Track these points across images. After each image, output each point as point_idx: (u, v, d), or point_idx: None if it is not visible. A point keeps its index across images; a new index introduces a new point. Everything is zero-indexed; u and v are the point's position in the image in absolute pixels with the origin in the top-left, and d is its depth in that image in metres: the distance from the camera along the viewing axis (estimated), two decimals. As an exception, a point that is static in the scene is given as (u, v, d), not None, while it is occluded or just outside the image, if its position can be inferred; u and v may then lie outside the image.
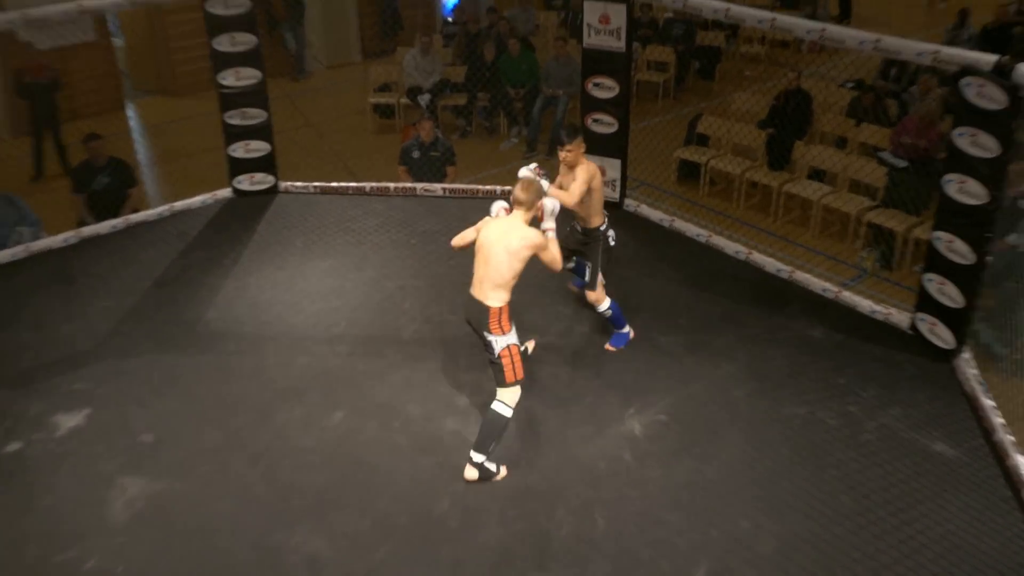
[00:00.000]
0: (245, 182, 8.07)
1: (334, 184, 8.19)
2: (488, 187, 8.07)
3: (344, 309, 6.27)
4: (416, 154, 8.35)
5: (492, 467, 4.75)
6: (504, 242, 4.67)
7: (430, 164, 8.33)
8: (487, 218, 4.90)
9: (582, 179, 5.39)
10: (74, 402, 5.32)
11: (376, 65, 11.77)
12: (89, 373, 5.60)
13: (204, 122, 9.87)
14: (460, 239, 4.92)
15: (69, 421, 5.16)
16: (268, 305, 6.33)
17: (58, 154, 9.83)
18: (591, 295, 5.66)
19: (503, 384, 4.72)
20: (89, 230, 7.41)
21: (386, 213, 7.73)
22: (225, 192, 8.10)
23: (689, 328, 6.01)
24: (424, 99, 10.79)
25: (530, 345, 5.67)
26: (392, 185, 8.15)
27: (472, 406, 5.22)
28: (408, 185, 8.14)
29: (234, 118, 7.80)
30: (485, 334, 4.72)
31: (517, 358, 4.70)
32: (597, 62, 7.31)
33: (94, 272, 6.86)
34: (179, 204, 7.88)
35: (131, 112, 12.16)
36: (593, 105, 7.49)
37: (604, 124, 7.50)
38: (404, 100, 11.10)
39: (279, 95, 8.96)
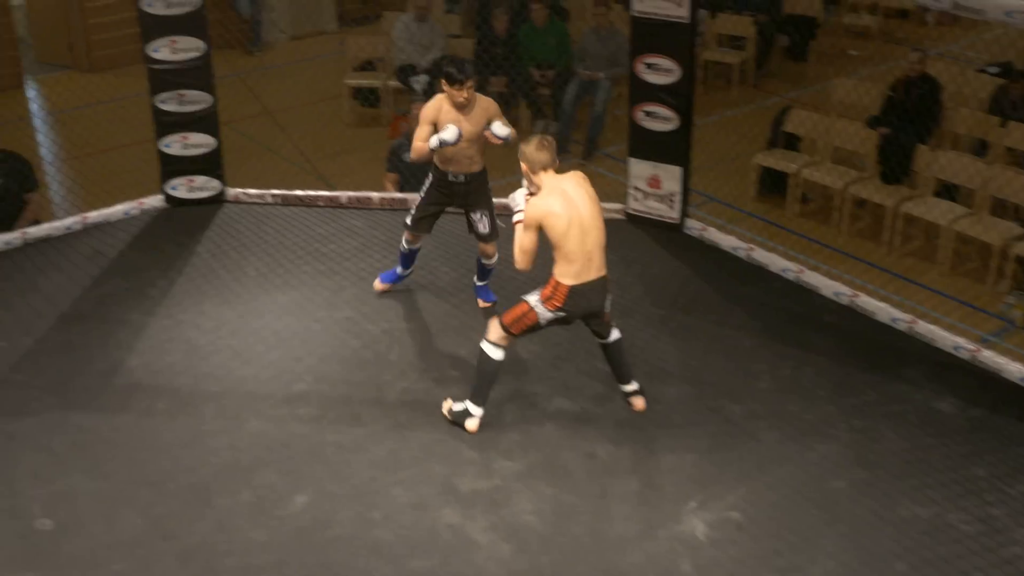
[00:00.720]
0: (182, 187, 8.20)
1: (299, 193, 8.32)
2: (502, 200, 8.16)
3: (310, 359, 6.34)
4: (408, 155, 8.44)
5: (473, 409, 5.71)
6: (589, 201, 5.49)
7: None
8: (547, 199, 5.42)
9: (501, 116, 6.35)
10: (-52, 475, 5.38)
11: (356, 36, 11.94)
12: (-30, 437, 5.67)
13: (129, 107, 10.06)
14: (530, 248, 5.49)
15: (-58, 500, 5.22)
16: (209, 351, 6.42)
17: None
18: (490, 248, 6.65)
19: (609, 324, 5.72)
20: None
21: (367, 233, 7.83)
22: (155, 200, 8.23)
23: (772, 395, 6.05)
24: (420, 81, 10.91)
25: None
26: (376, 196, 8.25)
27: (478, 492, 5.27)
28: (397, 196, 8.25)
29: (168, 103, 7.95)
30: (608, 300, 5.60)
31: (527, 316, 5.56)
32: (651, 36, 7.42)
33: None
34: (94, 215, 8.02)
35: (32, 92, 12.37)
36: (645, 93, 7.59)
37: (659, 119, 7.60)
38: (393, 83, 11.23)
39: (228, 73, 9.12)
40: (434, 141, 6.20)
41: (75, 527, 5.08)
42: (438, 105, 6.31)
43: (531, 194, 5.58)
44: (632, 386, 5.85)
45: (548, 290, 5.49)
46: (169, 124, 7.99)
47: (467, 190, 6.55)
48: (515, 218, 5.58)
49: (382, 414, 5.86)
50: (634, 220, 8.00)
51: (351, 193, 8.28)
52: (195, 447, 5.61)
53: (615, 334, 5.78)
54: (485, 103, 6.35)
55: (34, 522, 5.10)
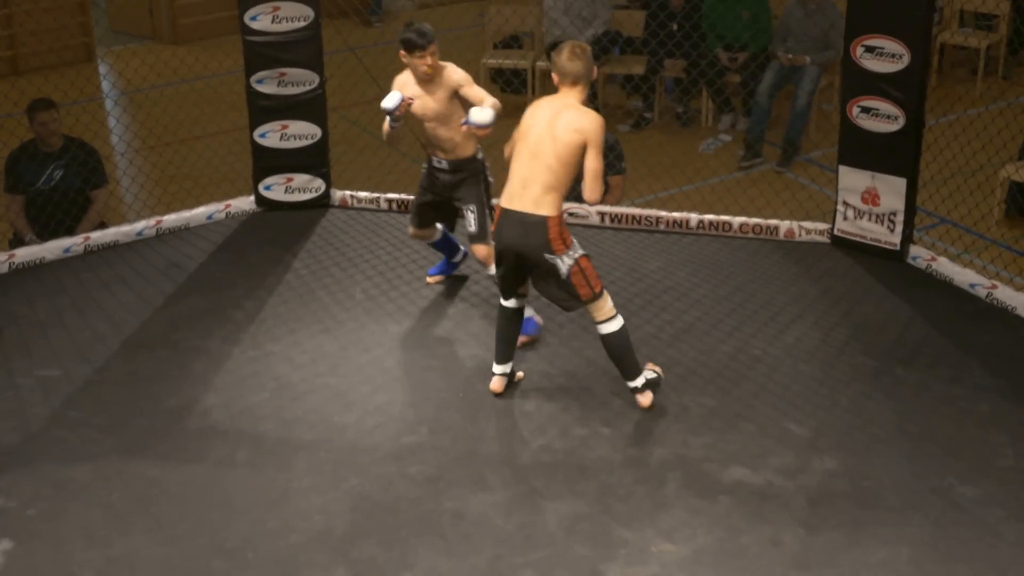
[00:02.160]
0: (277, 187, 8.39)
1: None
2: (677, 214, 8.15)
3: (426, 405, 6.41)
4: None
5: (651, 374, 6.27)
6: (552, 128, 5.93)
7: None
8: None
9: (471, 87, 6.71)
10: (-13, 529, 5.58)
11: (500, 5, 12.07)
12: (14, 483, 5.84)
13: (218, 88, 10.35)
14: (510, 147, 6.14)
15: (-23, 559, 5.41)
16: (303, 391, 6.54)
17: None
18: (481, 251, 6.80)
19: (581, 303, 6.11)
20: (27, 253, 7.84)
21: (503, 249, 7.89)
22: (245, 202, 8.44)
23: (1016, 476, 5.87)
24: (576, 63, 10.99)
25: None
26: (516, 203, 8.30)
27: (631, 582, 5.24)
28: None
29: (267, 83, 8.16)
30: (545, 256, 5.98)
31: (590, 268, 6.08)
32: (873, 11, 7.34)
33: (29, 320, 7.22)
34: (170, 219, 8.26)
35: (104, 67, 12.83)
36: (864, 84, 7.50)
37: (880, 117, 7.50)
38: (543, 64, 11.32)
39: (339, 48, 9.29)
40: (387, 121, 6.67)
41: (133, 600, 5.20)
42: (400, 80, 6.76)
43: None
44: (634, 382, 6.26)
45: (556, 234, 6.03)
46: (266, 109, 8.18)
47: (451, 180, 6.85)
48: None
49: (513, 478, 5.86)
50: (842, 244, 7.91)
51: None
52: (281, 509, 5.68)
53: (605, 327, 6.16)
54: (448, 73, 6.71)
55: (84, 591, 5.25)
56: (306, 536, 5.52)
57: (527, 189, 5.97)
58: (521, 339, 6.63)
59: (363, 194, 8.53)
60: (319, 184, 8.43)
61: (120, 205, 8.92)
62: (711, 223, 8.12)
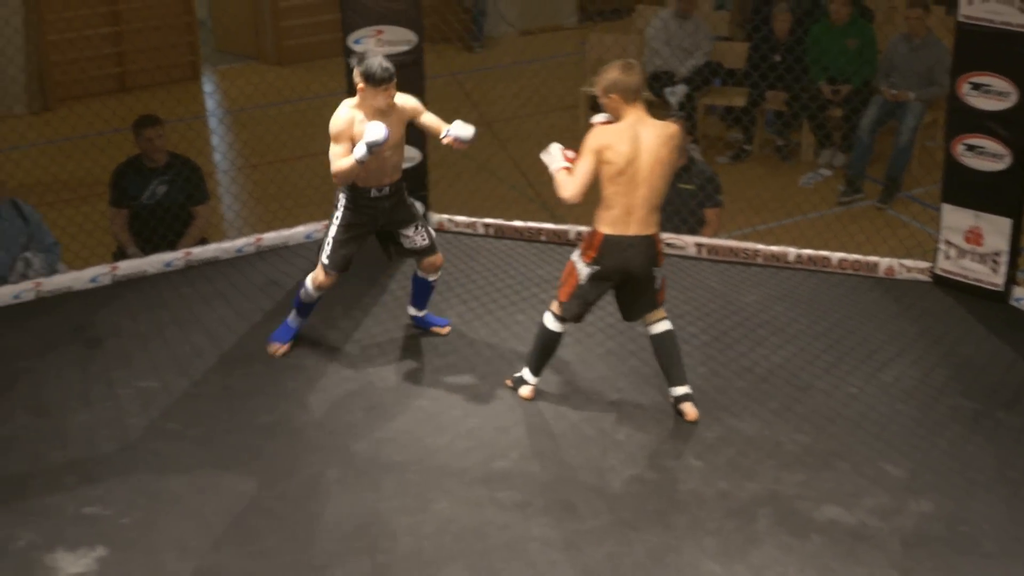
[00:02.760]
0: (377, 209, 8.44)
1: (518, 224, 8.45)
2: (775, 248, 8.10)
3: (517, 430, 6.41)
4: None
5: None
6: (656, 151, 6.07)
7: (678, 202, 8.45)
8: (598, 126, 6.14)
9: (426, 111, 6.79)
10: (84, 535, 5.63)
11: (601, 33, 12.10)
12: (110, 491, 5.94)
13: (321, 109, 10.44)
14: (584, 174, 6.09)
15: (73, 565, 5.46)
16: (395, 412, 6.58)
17: None
18: (440, 259, 7.00)
19: (656, 306, 6.38)
20: (130, 267, 7.96)
21: (600, 278, 7.88)
22: (343, 223, 8.51)
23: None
24: (676, 94, 10.98)
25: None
26: (613, 232, 8.30)
27: (719, 618, 5.19)
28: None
29: (370, 105, 8.22)
30: (653, 270, 6.22)
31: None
32: (981, 48, 7.26)
33: (131, 332, 7.34)
34: (270, 237, 8.35)
35: (209, 86, 13.01)
36: (968, 121, 7.42)
37: (986, 155, 7.41)
38: (644, 93, 11.33)
39: (442, 73, 9.36)
40: (360, 150, 6.36)
41: (221, 613, 5.25)
42: (349, 116, 6.54)
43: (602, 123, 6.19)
44: (682, 389, 6.42)
45: (585, 240, 6.23)
46: (368, 131, 8.25)
47: (392, 204, 6.80)
48: (554, 168, 6.19)
49: (603, 507, 5.84)
50: (944, 283, 7.82)
51: (582, 228, 8.34)
52: (370, 529, 5.71)
53: (664, 324, 6.40)
54: (404, 102, 6.67)
55: (174, 602, 5.30)
56: (393, 557, 5.53)
57: (639, 212, 6.10)
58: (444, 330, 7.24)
59: (460, 218, 8.56)
60: (418, 206, 8.46)
61: (221, 222, 9.03)
62: (809, 258, 8.06)
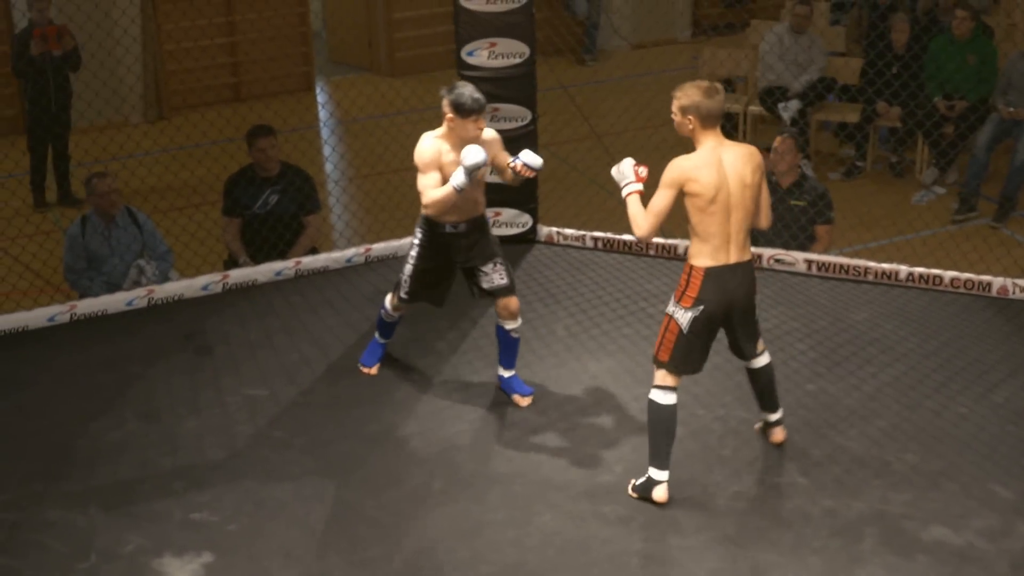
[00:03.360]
0: (485, 221, 8.51)
1: (626, 238, 8.46)
2: (886, 266, 8.04)
3: (623, 445, 6.42)
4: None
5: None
6: (742, 176, 5.73)
7: (789, 218, 8.41)
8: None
9: (502, 150, 6.54)
10: (191, 541, 5.76)
11: (714, 48, 12.07)
12: (217, 498, 6.06)
13: (432, 120, 10.50)
14: (661, 209, 5.80)
15: (180, 570, 5.57)
16: (501, 425, 6.64)
17: (58, 172, 10.83)
18: (514, 302, 6.63)
19: (757, 338, 6.09)
20: (240, 275, 8.10)
21: (707, 293, 7.87)
22: (451, 234, 8.58)
23: None
24: (790, 109, 10.94)
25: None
26: (721, 247, 8.28)
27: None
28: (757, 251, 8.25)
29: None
30: (754, 299, 5.91)
31: None
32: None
33: (240, 340, 7.46)
34: (379, 247, 8.45)
35: (322, 96, 13.16)
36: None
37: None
38: (755, 108, 11.31)
39: (553, 86, 9.40)
40: (459, 176, 6.22)
41: (326, 620, 5.32)
42: (436, 147, 6.39)
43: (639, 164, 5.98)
44: (777, 415, 6.29)
45: (683, 279, 5.79)
46: (478, 144, 8.32)
47: (470, 242, 6.60)
48: (626, 190, 5.90)
49: (706, 522, 5.84)
50: (1058, 304, 7.70)
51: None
52: (473, 539, 5.75)
53: (766, 357, 6.15)
54: (488, 134, 6.52)
55: (280, 608, 5.39)
56: (497, 568, 5.57)
57: (737, 238, 5.76)
58: (524, 400, 6.77)
59: (569, 231, 8.60)
60: (526, 219, 8.53)
61: (331, 232, 9.15)
62: (921, 276, 7.98)
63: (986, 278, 7.90)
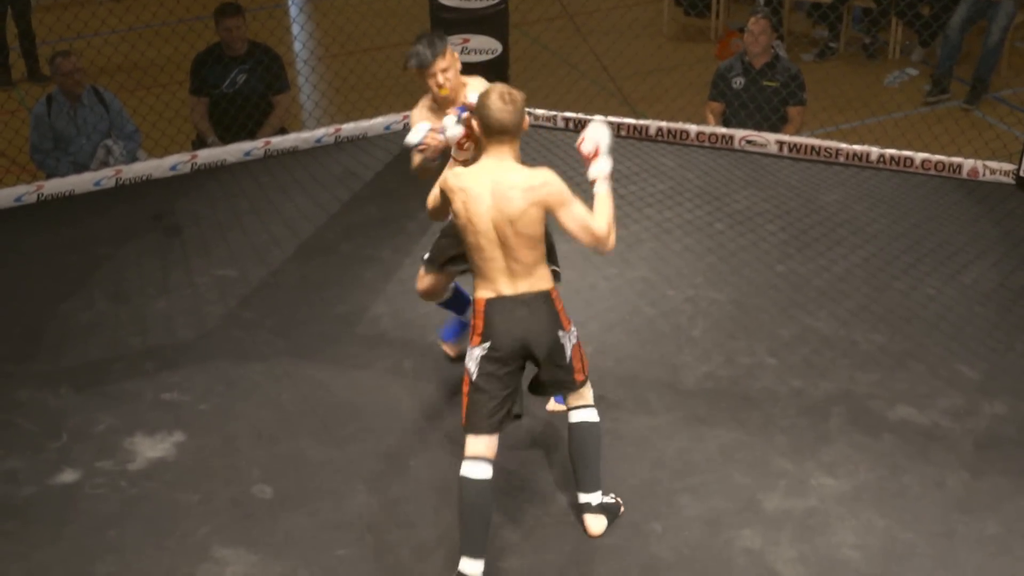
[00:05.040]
0: (458, 101, 8.46)
1: (599, 118, 8.43)
2: (857, 147, 8.05)
3: (592, 325, 6.46)
4: (739, 82, 8.44)
5: (611, 500, 5.24)
6: (501, 207, 4.71)
7: (761, 99, 8.40)
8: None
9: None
10: (162, 420, 5.81)
11: (688, -75, 11.96)
12: (188, 377, 6.10)
13: (402, -1, 10.47)
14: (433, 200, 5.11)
15: (151, 449, 5.64)
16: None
17: (24, 51, 10.64)
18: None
19: (578, 386, 5.04)
20: (209, 155, 8.06)
21: (679, 174, 7.88)
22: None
23: None
24: (762, -13, 10.87)
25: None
26: (694, 129, 8.28)
27: (787, 513, 5.24)
28: (721, 131, 8.25)
29: (449, -4, 8.22)
30: (559, 335, 4.87)
31: (580, 346, 5.00)
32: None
33: (209, 220, 7.45)
34: (349, 127, 8.42)
35: (290, -28, 12.98)
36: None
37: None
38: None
39: (523, -39, 9.32)
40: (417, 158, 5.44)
41: (297, 499, 5.38)
42: (424, 105, 5.65)
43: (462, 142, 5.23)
44: (591, 497, 5.15)
45: (561, 308, 4.92)
46: (448, 22, 8.24)
47: None
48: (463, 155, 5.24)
49: (676, 402, 5.90)
50: (1028, 186, 7.74)
51: (662, 123, 8.34)
52: (442, 419, 5.80)
53: (586, 414, 5.11)
54: (474, 84, 5.59)
55: (252, 487, 5.44)
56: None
57: (515, 269, 4.82)
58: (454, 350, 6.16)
59: (540, 111, 8.56)
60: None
61: (300, 111, 9.08)
62: (892, 158, 7.99)
63: (957, 160, 7.91)
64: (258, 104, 8.46)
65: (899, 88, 10.24)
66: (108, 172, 7.91)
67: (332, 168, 8.05)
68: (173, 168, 8.02)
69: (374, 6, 10.34)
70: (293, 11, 12.08)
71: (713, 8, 11.19)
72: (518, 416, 4.98)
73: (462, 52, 8.28)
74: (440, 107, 5.52)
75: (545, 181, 4.76)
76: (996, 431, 5.67)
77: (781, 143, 8.16)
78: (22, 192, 7.75)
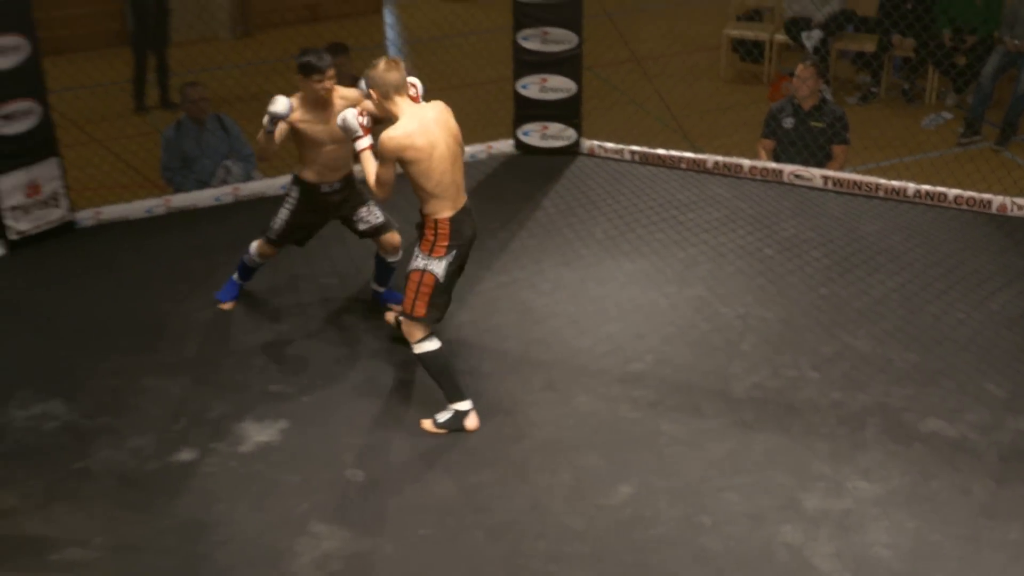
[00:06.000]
0: (534, 134, 8.45)
1: (660, 152, 8.39)
2: (895, 183, 7.93)
3: (652, 337, 6.40)
4: (789, 121, 8.35)
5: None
6: (450, 131, 5.48)
7: (809, 138, 8.31)
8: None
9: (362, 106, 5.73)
10: (269, 409, 5.84)
11: (745, -20, 11.89)
12: (293, 372, 6.12)
13: (489, 42, 10.45)
14: (388, 180, 5.41)
15: (259, 434, 5.66)
16: (544, 315, 6.60)
17: (159, 81, 10.72)
18: (397, 236, 6.36)
19: None
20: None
21: (733, 203, 7.80)
22: (504, 145, 8.53)
23: None
24: (812, 38, 10.75)
25: None
26: (747, 163, 8.20)
27: (825, 513, 5.16)
28: (772, 166, 8.17)
29: (531, 40, 8.20)
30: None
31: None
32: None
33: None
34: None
35: (390, 18, 13.03)
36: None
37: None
38: (780, 37, 11.11)
39: (596, 13, 9.28)
40: (266, 119, 5.85)
41: (386, 483, 5.37)
42: (290, 102, 5.95)
43: (375, 120, 5.60)
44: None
45: (429, 235, 5.48)
46: (529, 64, 8.24)
47: (343, 197, 6.29)
48: (359, 144, 5.49)
49: (726, 408, 5.83)
50: (1054, 221, 7.59)
51: (719, 157, 8.26)
52: (517, 417, 5.79)
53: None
54: (349, 95, 6.08)
55: (346, 471, 5.44)
56: (537, 442, 5.61)
57: (461, 187, 5.52)
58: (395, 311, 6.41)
59: (609, 145, 8.51)
60: (571, 133, 8.45)
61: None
62: (927, 193, 7.86)
63: (987, 196, 7.77)
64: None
65: (935, 130, 10.08)
66: (227, 189, 7.95)
67: (424, 190, 8.05)
68: (283, 188, 8.01)
69: (464, 48, 10.34)
70: (391, 51, 12.11)
71: (766, 55, 11.11)
72: None
73: (541, 90, 8.27)
74: (312, 107, 6.02)
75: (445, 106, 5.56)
76: (1020, 444, 5.54)
77: (826, 177, 8.05)
78: (153, 204, 7.82)
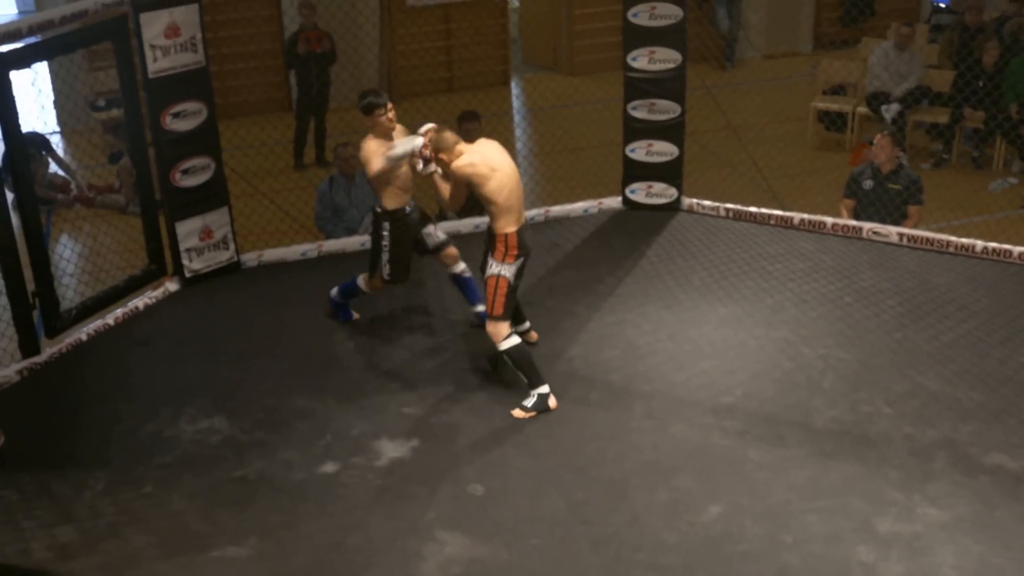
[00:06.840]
0: (640, 192, 8.44)
1: (752, 209, 8.30)
2: (964, 240, 7.75)
3: (742, 373, 6.33)
4: (868, 184, 8.24)
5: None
6: (510, 160, 5.96)
7: (886, 199, 8.18)
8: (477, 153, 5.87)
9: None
10: (401, 428, 5.89)
11: (831, 59, 11.77)
12: (424, 396, 6.17)
13: (601, 111, 10.48)
14: (462, 198, 6.02)
15: (393, 450, 5.71)
16: (645, 352, 6.56)
17: (316, 142, 10.90)
18: (454, 249, 6.62)
19: None
20: (448, 225, 8.16)
21: (816, 256, 7.70)
22: (614, 201, 8.53)
23: None
24: (891, 110, 10.60)
25: None
26: (830, 221, 8.08)
27: (897, 535, 5.04)
28: (852, 224, 8.04)
29: (639, 110, 8.20)
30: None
31: None
32: None
33: (445, 276, 7.52)
34: (556, 209, 8.43)
35: (516, 89, 13.15)
36: None
37: None
38: (862, 109, 10.99)
39: (698, 86, 9.26)
40: (390, 158, 5.96)
41: (503, 497, 5.38)
42: (375, 146, 6.12)
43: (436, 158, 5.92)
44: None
45: (501, 247, 5.88)
46: (637, 130, 8.25)
47: (417, 215, 6.49)
48: (428, 169, 5.95)
49: (807, 439, 5.74)
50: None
51: (804, 215, 8.16)
52: (620, 441, 5.76)
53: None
54: (400, 128, 6.30)
55: (467, 486, 5.46)
56: (637, 465, 5.59)
57: (523, 207, 5.97)
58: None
59: (706, 203, 8.46)
60: (673, 192, 8.42)
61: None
62: (993, 249, 7.65)
63: (1049, 254, 7.57)
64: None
65: (1001, 193, 9.87)
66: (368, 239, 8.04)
67: (541, 241, 8.02)
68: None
69: (579, 116, 10.40)
70: (517, 119, 12.22)
71: (849, 125, 10.99)
72: None
73: (647, 153, 8.28)
74: (385, 141, 6.14)
75: None
76: (1076, 479, 5.36)
77: (901, 235, 7.90)
78: (307, 248, 7.95)
